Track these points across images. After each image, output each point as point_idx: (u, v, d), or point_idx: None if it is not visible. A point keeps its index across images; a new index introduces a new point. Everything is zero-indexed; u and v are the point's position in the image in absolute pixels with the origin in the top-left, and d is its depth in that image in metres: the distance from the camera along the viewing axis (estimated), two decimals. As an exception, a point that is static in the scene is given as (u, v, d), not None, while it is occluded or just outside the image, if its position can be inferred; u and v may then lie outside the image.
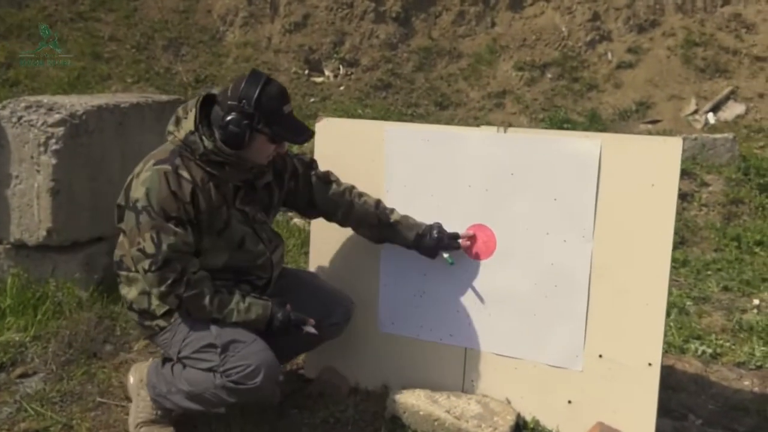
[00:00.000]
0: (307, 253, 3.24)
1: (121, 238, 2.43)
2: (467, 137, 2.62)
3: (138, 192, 2.25)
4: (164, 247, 2.23)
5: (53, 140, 3.20)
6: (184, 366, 2.39)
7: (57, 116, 3.22)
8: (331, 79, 7.76)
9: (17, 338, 3.12)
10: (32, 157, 3.24)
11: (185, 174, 2.27)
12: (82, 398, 2.81)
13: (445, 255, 2.61)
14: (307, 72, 7.77)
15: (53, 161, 3.21)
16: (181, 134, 2.30)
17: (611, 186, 2.41)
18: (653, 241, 2.37)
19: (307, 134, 2.40)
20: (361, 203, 2.62)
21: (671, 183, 2.33)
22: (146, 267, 2.26)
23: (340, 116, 6.45)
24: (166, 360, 2.49)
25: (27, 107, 3.28)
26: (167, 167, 2.26)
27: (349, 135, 2.84)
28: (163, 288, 2.27)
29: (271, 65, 7.74)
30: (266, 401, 2.64)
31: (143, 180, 2.26)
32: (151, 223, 2.23)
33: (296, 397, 2.84)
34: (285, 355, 2.67)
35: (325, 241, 2.91)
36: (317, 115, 6.83)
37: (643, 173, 2.35)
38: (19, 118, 3.25)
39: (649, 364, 2.41)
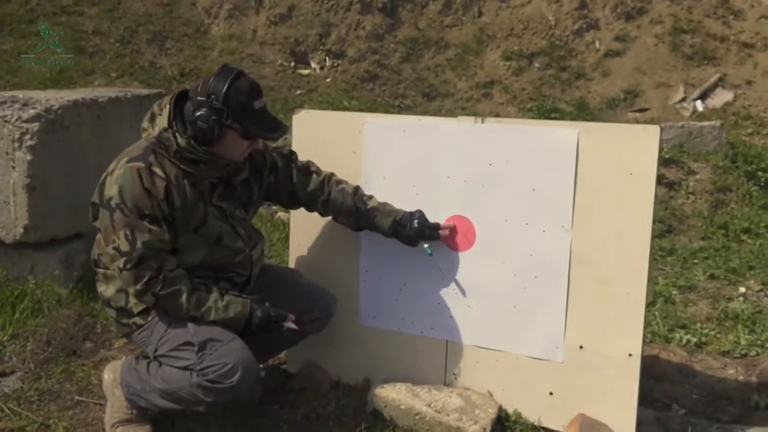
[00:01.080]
0: (289, 247, 3.21)
1: (99, 236, 2.41)
2: (444, 128, 2.60)
3: (111, 190, 2.24)
4: (139, 244, 2.21)
5: (28, 136, 3.16)
6: (160, 364, 2.36)
7: (32, 111, 3.18)
8: (318, 71, 7.71)
9: (-5, 337, 3.09)
10: (7, 153, 3.20)
11: (159, 171, 2.26)
12: (60, 397, 2.78)
13: (426, 245, 2.59)
14: (293, 64, 7.72)
15: (28, 157, 3.18)
16: (155, 131, 2.29)
17: (589, 175, 2.39)
18: (632, 230, 2.35)
19: (281, 130, 2.35)
20: (338, 190, 2.60)
21: (649, 171, 2.31)
22: (121, 265, 2.25)
23: (326, 108, 6.41)
24: (142, 358, 2.47)
25: (1, 103, 3.24)
26: (140, 164, 2.25)
27: (328, 127, 2.82)
28: (138, 286, 2.25)
29: (256, 57, 7.69)
30: (246, 398, 2.62)
31: (116, 177, 2.24)
32: (124, 221, 2.21)
33: (278, 392, 2.82)
34: (266, 351, 2.66)
35: (305, 234, 2.88)
36: (303, 107, 6.82)
37: (621, 162, 2.34)
38: (-6, 113, 3.21)
39: (630, 355, 2.40)
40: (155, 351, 2.36)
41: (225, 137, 2.26)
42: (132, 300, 2.36)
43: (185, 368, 2.29)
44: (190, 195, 2.30)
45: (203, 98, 2.23)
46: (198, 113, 2.23)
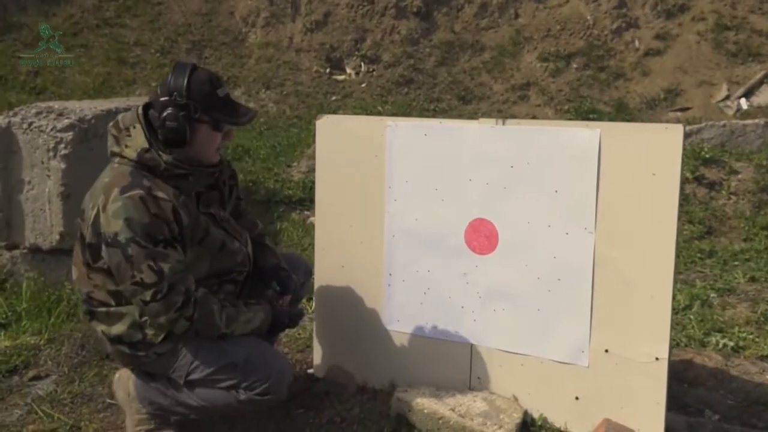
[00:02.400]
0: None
1: (79, 272, 2.32)
2: (465, 130, 2.59)
3: (114, 225, 2.12)
4: (167, 271, 2.13)
5: (62, 145, 3.26)
6: (193, 388, 2.33)
7: (66, 121, 3.28)
8: (353, 76, 7.76)
9: (31, 341, 3.19)
10: (42, 162, 3.31)
11: (161, 194, 2.17)
12: (93, 400, 2.85)
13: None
14: (328, 70, 7.79)
15: (63, 166, 3.27)
16: (131, 154, 2.19)
17: (612, 176, 2.35)
18: (657, 231, 2.30)
19: (250, 114, 2.31)
20: (250, 218, 2.66)
21: (673, 171, 2.26)
22: (148, 298, 2.14)
23: (360, 114, 6.45)
24: (150, 374, 2.41)
25: (37, 113, 3.34)
26: (140, 192, 2.13)
27: (350, 132, 2.83)
28: (171, 314, 2.17)
29: (292, 64, 7.78)
30: (274, 402, 2.65)
31: (115, 212, 2.12)
32: (145, 253, 2.11)
33: (303, 396, 2.83)
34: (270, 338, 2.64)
35: (329, 239, 2.90)
36: (338, 113, 6.87)
37: (644, 162, 2.29)
38: (30, 124, 3.32)
39: (657, 359, 2.35)
40: (187, 376, 2.30)
41: (197, 133, 2.21)
42: (149, 331, 2.25)
43: (229, 388, 2.28)
44: (191, 209, 2.26)
45: (166, 98, 2.16)
46: (164, 114, 2.15)
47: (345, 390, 2.84)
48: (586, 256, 2.42)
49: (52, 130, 3.23)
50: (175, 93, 2.16)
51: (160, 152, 2.19)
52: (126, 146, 2.21)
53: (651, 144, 2.28)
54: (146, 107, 2.25)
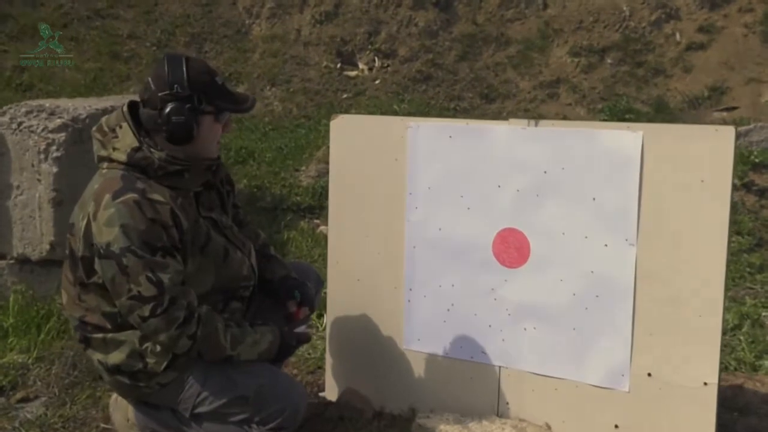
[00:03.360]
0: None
1: (68, 296, 2.32)
2: (494, 132, 2.60)
3: (108, 234, 2.12)
4: (166, 282, 2.13)
5: (54, 147, 3.30)
6: (201, 421, 2.34)
7: (58, 121, 3.32)
8: (366, 72, 7.78)
9: (19, 360, 3.22)
10: (33, 165, 3.34)
11: (157, 197, 2.17)
12: (86, 424, 2.87)
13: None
14: (339, 65, 7.81)
15: (54, 169, 3.31)
16: (121, 156, 2.20)
17: (656, 183, 2.35)
18: (706, 243, 2.30)
19: (250, 101, 2.36)
20: (251, 228, 2.68)
21: (724, 178, 2.26)
22: (147, 313, 2.13)
23: (374, 113, 6.47)
24: (150, 405, 2.41)
25: (27, 112, 3.38)
26: (134, 196, 2.14)
27: (367, 133, 2.84)
28: (172, 331, 2.16)
29: (300, 59, 7.82)
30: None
31: (108, 220, 2.12)
32: (142, 263, 2.11)
33: (314, 421, 2.84)
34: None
35: (344, 250, 2.91)
36: (350, 112, 6.90)
37: (691, 168, 2.29)
38: (19, 124, 3.36)
39: (705, 384, 2.35)
40: (194, 409, 2.31)
41: (201, 125, 2.24)
42: (151, 359, 2.24)
43: (240, 422, 2.29)
44: (190, 212, 2.26)
45: (165, 92, 2.18)
46: (168, 109, 2.17)
47: (360, 415, 2.84)
48: (627, 271, 2.41)
49: (43, 130, 3.27)
50: (176, 86, 2.18)
51: (152, 149, 2.21)
52: (114, 148, 2.22)
53: (699, 148, 2.28)
54: (131, 105, 2.28)
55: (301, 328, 2.47)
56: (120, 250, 2.10)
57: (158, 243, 2.13)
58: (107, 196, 2.14)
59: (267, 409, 2.26)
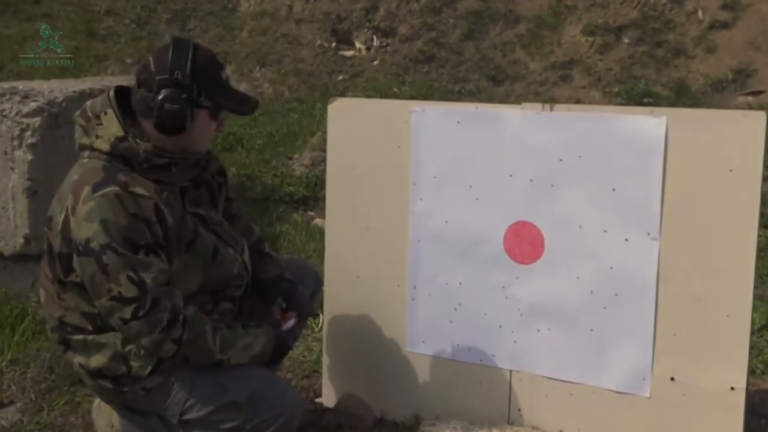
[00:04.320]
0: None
1: (47, 294, 2.33)
2: (506, 117, 2.60)
3: (87, 230, 2.11)
4: (149, 283, 2.13)
5: (28, 132, 3.30)
6: (189, 429, 2.33)
7: (33, 105, 3.32)
8: (363, 52, 7.77)
9: (-8, 362, 3.22)
10: (6, 153, 3.34)
11: (140, 190, 2.16)
12: (64, 431, 2.87)
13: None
14: (334, 45, 7.80)
15: (29, 157, 3.31)
16: (104, 145, 2.19)
17: (681, 172, 2.36)
18: (734, 238, 2.32)
19: (252, 103, 2.34)
20: (247, 223, 2.68)
21: (754, 167, 2.27)
22: (128, 315, 2.13)
23: (372, 96, 6.47)
24: (135, 411, 2.40)
25: (0, 95, 3.37)
26: (115, 189, 2.13)
27: (368, 118, 2.85)
28: (155, 335, 2.15)
29: (291, 38, 7.80)
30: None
31: (88, 214, 2.11)
32: (123, 261, 2.10)
33: (310, 429, 2.85)
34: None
35: (342, 245, 2.92)
36: (346, 95, 6.89)
37: (719, 156, 2.30)
38: (-9, 108, 3.35)
39: (732, 388, 2.36)
40: (181, 416, 2.31)
41: (196, 119, 2.22)
42: (135, 362, 2.24)
43: (232, 429, 2.28)
44: (176, 207, 2.25)
45: (165, 76, 2.16)
46: (163, 94, 2.16)
47: (360, 422, 2.86)
48: (649, 267, 2.43)
49: (16, 114, 3.27)
50: (177, 72, 2.16)
51: (138, 140, 2.20)
52: (97, 136, 2.21)
53: (727, 134, 2.29)
54: (119, 90, 2.28)
55: (289, 323, 2.48)
56: (100, 247, 2.10)
57: (141, 240, 2.13)
58: (87, 189, 2.14)
59: (260, 415, 2.25)
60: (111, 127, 2.21)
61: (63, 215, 2.18)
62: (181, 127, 2.19)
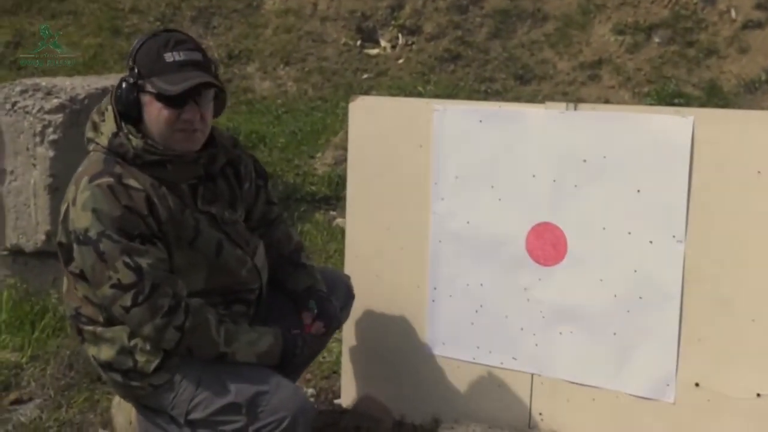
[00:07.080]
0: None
1: (68, 283, 2.37)
2: (529, 117, 2.60)
3: (83, 220, 2.16)
4: (145, 267, 2.16)
5: (51, 129, 3.33)
6: (195, 429, 2.34)
7: (55, 101, 3.35)
8: (388, 50, 7.78)
9: (12, 359, 3.26)
10: (28, 149, 3.38)
11: (133, 182, 2.20)
12: (83, 428, 2.92)
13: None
14: (359, 43, 7.81)
15: (51, 153, 3.34)
16: (104, 140, 2.26)
17: (707, 173, 2.34)
18: (762, 241, 2.30)
19: (186, 83, 2.19)
20: (284, 230, 2.67)
21: (783, 169, 2.25)
22: (129, 302, 2.17)
23: (397, 95, 6.47)
24: (151, 410, 2.42)
25: (22, 91, 3.42)
26: (108, 180, 2.18)
27: (389, 117, 2.86)
28: (158, 320, 2.18)
29: (316, 36, 7.83)
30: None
31: (84, 203, 2.16)
32: (119, 248, 2.14)
33: (328, 431, 2.86)
34: (294, 371, 2.61)
35: (363, 245, 2.93)
36: (370, 93, 6.90)
37: (746, 157, 2.29)
38: (14, 104, 3.39)
39: (758, 395, 2.35)
40: (186, 414, 2.32)
41: (146, 106, 2.23)
42: (141, 357, 2.27)
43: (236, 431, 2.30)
44: (173, 203, 2.27)
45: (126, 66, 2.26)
46: (117, 84, 2.25)
47: (379, 425, 2.86)
48: (675, 270, 2.41)
49: (39, 111, 3.30)
50: (129, 59, 2.24)
51: (130, 136, 2.23)
52: (101, 132, 2.28)
53: (756, 136, 2.28)
54: None
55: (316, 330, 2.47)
56: (96, 235, 2.15)
57: (134, 231, 2.16)
58: (85, 179, 2.20)
59: (263, 418, 2.24)
60: (109, 123, 2.27)
61: (65, 206, 2.25)
62: (129, 114, 2.23)
